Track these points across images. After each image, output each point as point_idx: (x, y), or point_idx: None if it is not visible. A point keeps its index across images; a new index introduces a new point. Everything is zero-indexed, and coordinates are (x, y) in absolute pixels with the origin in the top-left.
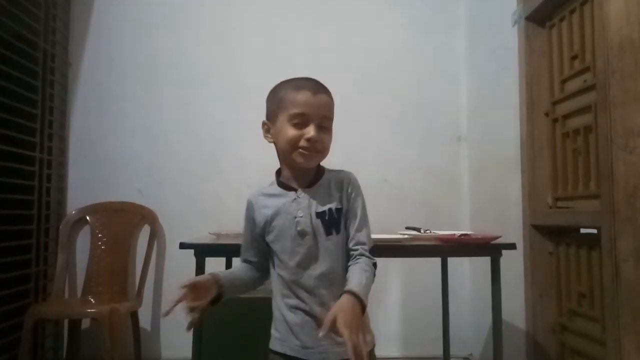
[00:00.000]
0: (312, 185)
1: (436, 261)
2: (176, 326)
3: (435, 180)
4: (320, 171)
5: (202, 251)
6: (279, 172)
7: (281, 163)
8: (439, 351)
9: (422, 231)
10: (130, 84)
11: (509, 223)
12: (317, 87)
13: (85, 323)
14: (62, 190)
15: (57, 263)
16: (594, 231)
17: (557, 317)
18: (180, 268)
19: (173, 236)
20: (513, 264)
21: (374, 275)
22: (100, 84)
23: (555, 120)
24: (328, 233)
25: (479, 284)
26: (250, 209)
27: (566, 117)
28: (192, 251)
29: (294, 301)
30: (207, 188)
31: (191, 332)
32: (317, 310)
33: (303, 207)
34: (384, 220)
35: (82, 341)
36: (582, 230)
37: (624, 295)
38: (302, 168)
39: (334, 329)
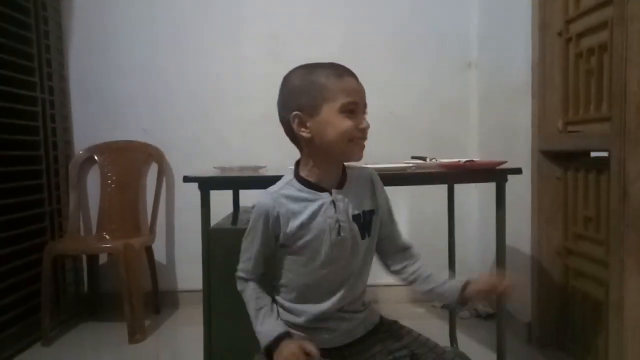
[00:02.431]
0: (342, 186)
1: (442, 190)
2: (190, 259)
3: (443, 109)
4: (345, 170)
5: (207, 184)
6: (297, 172)
7: (312, 160)
8: (445, 278)
9: (427, 160)
10: (128, 20)
11: (517, 150)
12: (352, 73)
13: (103, 258)
14: (67, 130)
15: (69, 202)
16: (605, 154)
17: (563, 241)
18: (189, 203)
19: (180, 173)
20: (521, 190)
21: None
22: (95, 19)
23: (568, 40)
24: (362, 237)
25: (486, 211)
26: (271, 220)
27: (580, 35)
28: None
29: (313, 307)
30: (212, 125)
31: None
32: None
33: (342, 210)
34: (390, 151)
35: (100, 275)
36: (593, 154)
37: (630, 217)
38: (337, 165)
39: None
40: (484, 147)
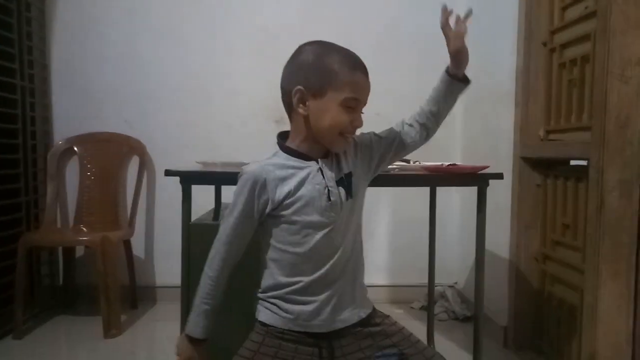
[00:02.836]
0: (326, 157)
1: (425, 193)
2: (169, 254)
3: None
4: None
5: (188, 178)
6: (283, 144)
7: (302, 135)
8: (424, 279)
9: (411, 162)
10: (112, 10)
11: (500, 156)
12: (365, 68)
13: (80, 251)
14: (47, 120)
15: (47, 193)
16: (584, 163)
17: (541, 247)
18: (170, 197)
19: (162, 167)
20: (501, 196)
21: None
22: (80, 8)
23: (552, 50)
24: (347, 198)
25: (466, 215)
26: (258, 187)
27: (564, 46)
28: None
29: (306, 278)
30: (196, 119)
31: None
32: (340, 284)
33: (329, 177)
34: None
35: (77, 269)
36: (572, 163)
37: (607, 225)
38: (316, 143)
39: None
40: (467, 152)
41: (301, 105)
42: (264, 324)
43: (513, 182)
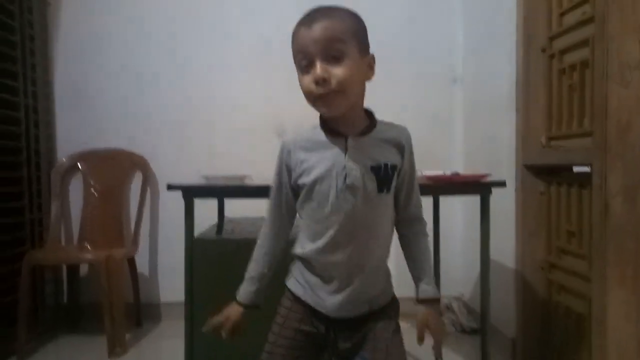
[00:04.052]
0: (364, 134)
1: (428, 203)
2: (173, 270)
3: (429, 124)
4: (372, 122)
5: (190, 192)
6: (322, 117)
7: None
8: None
9: None
10: (115, 26)
11: (501, 164)
12: (314, 15)
13: (84, 270)
14: (50, 137)
15: (51, 211)
16: (587, 169)
17: (546, 255)
18: (174, 213)
19: (165, 182)
20: (505, 204)
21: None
22: (83, 25)
23: (552, 57)
24: (380, 190)
25: (470, 225)
26: (284, 156)
27: (563, 52)
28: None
29: (326, 258)
30: (198, 133)
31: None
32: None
33: (354, 157)
34: None
35: (81, 287)
36: (575, 169)
37: (611, 231)
38: (340, 116)
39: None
40: (470, 160)
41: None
42: (289, 290)
43: (516, 190)
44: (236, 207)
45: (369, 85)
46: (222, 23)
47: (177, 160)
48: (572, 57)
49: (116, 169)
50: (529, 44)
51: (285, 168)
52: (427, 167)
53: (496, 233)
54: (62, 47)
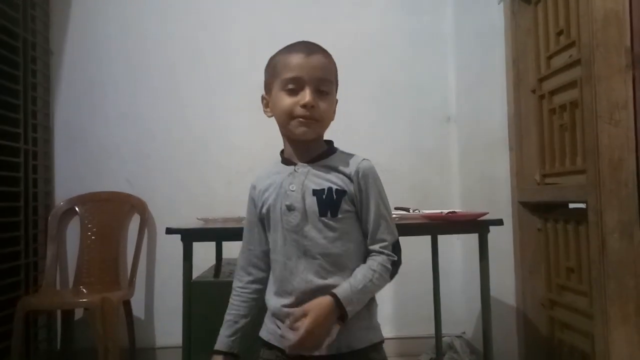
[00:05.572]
0: (315, 162)
1: (426, 241)
2: (169, 314)
3: (425, 162)
4: (330, 150)
5: (189, 236)
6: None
7: (283, 137)
8: (431, 330)
9: (411, 211)
10: (115, 72)
11: (498, 201)
12: (311, 47)
13: (78, 314)
14: (48, 181)
15: (47, 254)
16: (583, 206)
17: (547, 292)
18: (171, 255)
19: (163, 224)
20: (503, 241)
21: (391, 274)
22: (83, 72)
23: (542, 97)
24: (322, 214)
25: (470, 262)
26: (251, 193)
27: (552, 93)
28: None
29: (279, 285)
30: (196, 175)
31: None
32: (299, 295)
33: (298, 181)
34: None
35: (75, 332)
36: (571, 206)
37: (610, 268)
38: (303, 141)
39: (295, 324)
40: (466, 198)
41: (266, 109)
42: (261, 338)
43: (514, 227)
44: (235, 248)
45: (366, 124)
46: (220, 66)
47: (176, 201)
48: (561, 98)
49: (114, 212)
50: (519, 85)
51: (252, 204)
52: (423, 205)
53: (496, 270)
54: (63, 93)
